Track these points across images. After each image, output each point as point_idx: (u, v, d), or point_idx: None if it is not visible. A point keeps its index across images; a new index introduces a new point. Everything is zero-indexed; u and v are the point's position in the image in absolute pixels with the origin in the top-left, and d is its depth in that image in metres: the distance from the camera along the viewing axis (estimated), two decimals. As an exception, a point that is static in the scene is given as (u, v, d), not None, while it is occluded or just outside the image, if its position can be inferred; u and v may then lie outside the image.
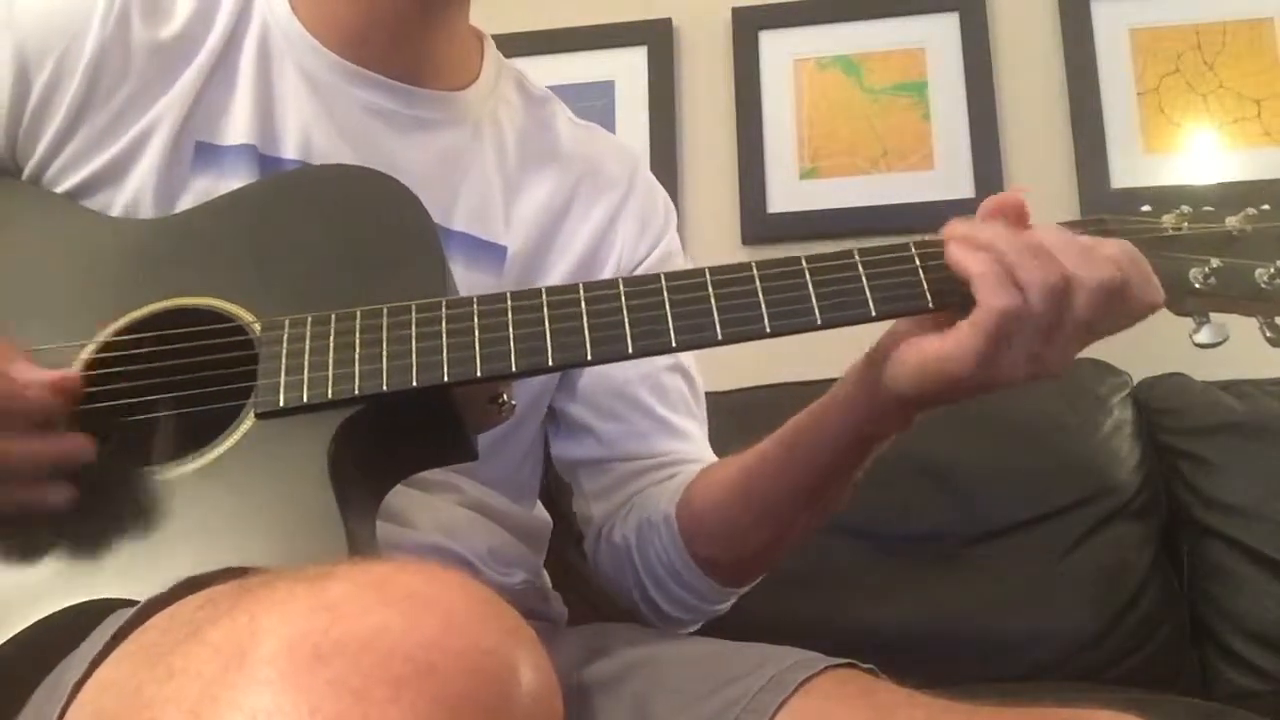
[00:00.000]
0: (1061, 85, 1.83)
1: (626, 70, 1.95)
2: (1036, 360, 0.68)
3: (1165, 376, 1.58)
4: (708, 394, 1.03)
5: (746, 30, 1.93)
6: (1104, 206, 0.76)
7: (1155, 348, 1.54)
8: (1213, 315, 0.74)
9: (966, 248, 0.69)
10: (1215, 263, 0.73)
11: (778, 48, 1.92)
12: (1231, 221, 0.74)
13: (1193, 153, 1.78)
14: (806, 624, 1.31)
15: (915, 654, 1.39)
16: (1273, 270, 0.72)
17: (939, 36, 1.88)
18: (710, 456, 0.97)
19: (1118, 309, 0.68)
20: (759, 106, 1.89)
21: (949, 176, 1.81)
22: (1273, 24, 1.79)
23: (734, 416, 1.08)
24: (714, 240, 1.85)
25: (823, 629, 1.20)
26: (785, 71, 1.91)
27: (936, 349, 0.69)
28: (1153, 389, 1.57)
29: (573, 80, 1.92)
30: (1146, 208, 0.76)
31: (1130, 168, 1.77)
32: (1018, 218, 0.72)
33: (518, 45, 1.70)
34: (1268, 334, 0.73)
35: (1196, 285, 0.73)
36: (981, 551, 1.47)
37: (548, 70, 1.86)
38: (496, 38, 1.02)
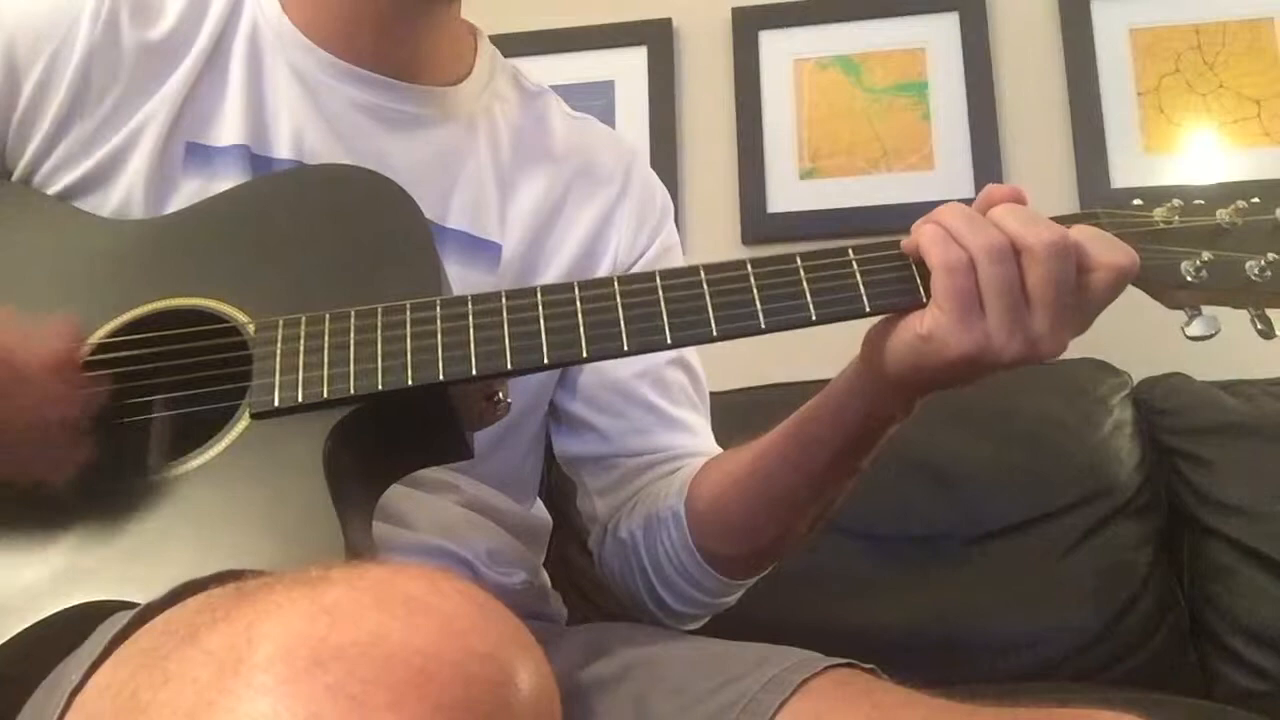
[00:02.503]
0: (1061, 85, 1.83)
1: (626, 70, 1.94)
2: (1024, 334, 0.69)
3: (1165, 376, 1.58)
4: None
5: (746, 30, 1.93)
6: (1103, 206, 0.76)
7: (1155, 348, 1.54)
8: (1204, 308, 0.74)
9: (917, 225, 0.73)
10: (1206, 256, 0.73)
11: (778, 48, 1.92)
12: (1222, 215, 0.74)
13: (1193, 153, 1.77)
14: (806, 624, 1.31)
15: (915, 654, 1.39)
16: (1263, 263, 0.73)
17: (939, 36, 1.88)
18: (715, 448, 0.97)
19: (1085, 275, 0.69)
20: (759, 106, 1.89)
21: (949, 176, 1.82)
22: (1273, 24, 1.79)
23: (734, 416, 1.08)
24: (714, 240, 1.85)
25: (823, 629, 1.19)
26: (785, 71, 1.91)
27: (917, 326, 0.70)
28: (1153, 389, 1.57)
29: (573, 80, 1.92)
30: (1138, 201, 0.76)
31: (1130, 168, 1.77)
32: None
33: (518, 45, 1.70)
34: (1259, 326, 0.73)
35: (1188, 278, 0.73)
36: (981, 551, 1.46)
37: (548, 70, 1.86)
38: (497, 38, 1.02)
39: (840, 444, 0.80)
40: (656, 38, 1.95)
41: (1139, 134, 1.79)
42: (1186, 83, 1.79)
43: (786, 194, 1.86)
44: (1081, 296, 0.69)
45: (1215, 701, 1.35)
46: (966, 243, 0.69)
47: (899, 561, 1.47)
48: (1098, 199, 1.74)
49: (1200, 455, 1.49)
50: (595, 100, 1.92)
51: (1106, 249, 0.70)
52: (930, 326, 0.69)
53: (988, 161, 1.80)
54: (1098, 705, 0.66)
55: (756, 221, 1.85)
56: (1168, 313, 0.75)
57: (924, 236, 0.71)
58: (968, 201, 0.76)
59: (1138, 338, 1.39)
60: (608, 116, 1.91)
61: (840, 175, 1.86)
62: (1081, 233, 0.70)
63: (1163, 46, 1.81)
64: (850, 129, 1.87)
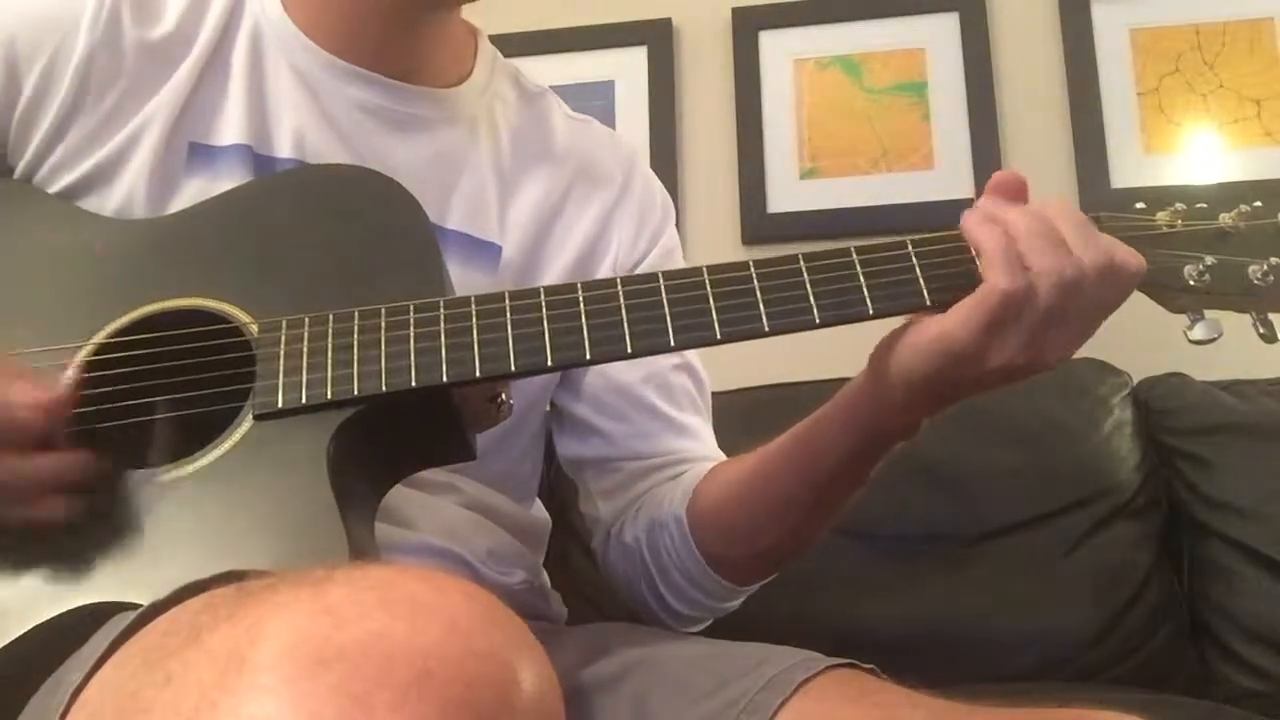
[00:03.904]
0: (1061, 85, 1.83)
1: (626, 70, 1.94)
2: (1035, 347, 0.68)
3: (1165, 376, 1.58)
4: (711, 394, 1.03)
5: (746, 30, 1.93)
6: (1104, 206, 0.76)
7: (1155, 348, 1.54)
8: (1207, 312, 0.74)
9: (982, 219, 0.70)
10: (1209, 260, 0.73)
11: (778, 48, 1.92)
12: (1225, 218, 0.74)
13: (1193, 153, 1.77)
14: (806, 624, 1.31)
15: (915, 654, 1.38)
16: (1266, 267, 0.73)
17: (939, 36, 1.88)
18: (717, 453, 0.97)
19: (1112, 282, 0.69)
20: (759, 106, 1.89)
21: (949, 176, 1.81)
22: (1273, 24, 1.79)
23: (736, 416, 1.08)
24: (714, 240, 1.85)
25: (823, 629, 1.20)
26: (785, 71, 1.91)
27: (939, 326, 0.69)
28: (1153, 389, 1.57)
29: (573, 80, 1.92)
30: (1140, 205, 0.76)
31: (1130, 168, 1.77)
32: (1017, 195, 0.73)
33: (518, 45, 1.70)
34: (1261, 330, 0.74)
35: (1191, 282, 0.73)
36: (981, 551, 1.46)
37: (548, 70, 1.86)
38: (497, 38, 1.02)
39: (844, 454, 0.80)
40: (656, 38, 1.95)
41: (1139, 134, 1.79)
42: (1186, 83, 1.79)
43: (786, 194, 1.86)
44: (1101, 307, 0.70)
45: (1215, 701, 1.35)
46: (1035, 266, 0.67)
47: (899, 561, 1.47)
48: (1098, 199, 1.74)
49: (1200, 455, 1.49)
50: (595, 100, 1.92)
51: (1129, 258, 0.70)
52: (954, 328, 0.68)
53: (988, 161, 1.80)
54: (1098, 705, 0.66)
55: (756, 221, 1.85)
56: (1168, 313, 0.75)
57: (988, 241, 0.69)
58: (968, 202, 0.75)
59: (1138, 338, 1.39)
60: (608, 116, 1.91)
61: (840, 175, 1.86)
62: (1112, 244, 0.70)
63: (1163, 46, 1.81)
64: (850, 129, 1.87)
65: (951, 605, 1.44)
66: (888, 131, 1.86)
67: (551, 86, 1.03)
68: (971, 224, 0.71)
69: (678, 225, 1.05)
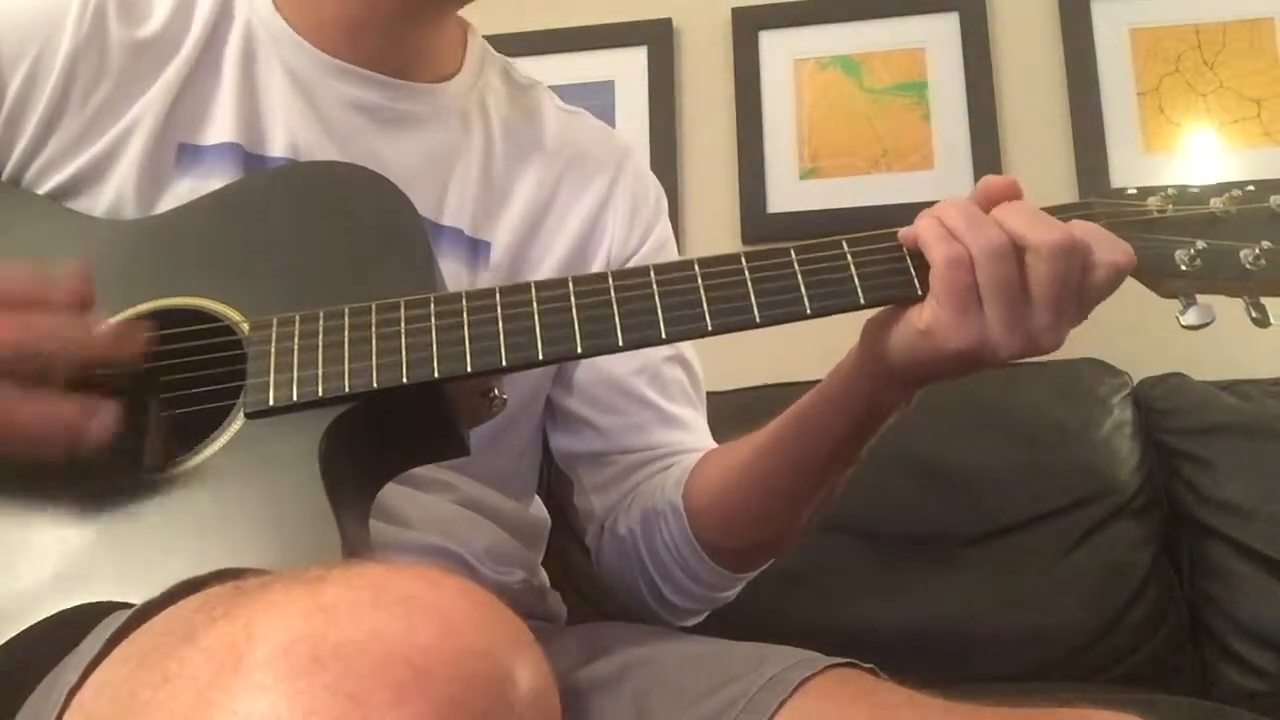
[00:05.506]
0: (1061, 85, 1.83)
1: (626, 70, 1.94)
2: (1024, 330, 0.69)
3: (1165, 376, 1.58)
4: (708, 394, 1.03)
5: (746, 30, 1.93)
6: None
7: (1155, 347, 1.55)
8: (1199, 297, 0.74)
9: (920, 217, 0.72)
10: (1200, 244, 0.72)
11: (778, 48, 1.92)
12: (1216, 203, 0.74)
13: (1193, 153, 1.77)
14: (806, 624, 1.32)
15: (915, 654, 1.38)
16: (1257, 251, 0.72)
17: (939, 36, 1.88)
18: (711, 444, 0.97)
19: (1086, 275, 0.69)
20: (759, 106, 1.89)
21: (949, 176, 1.81)
22: (1273, 24, 1.79)
23: (734, 416, 1.08)
24: (714, 240, 1.85)
25: (823, 629, 1.20)
26: (785, 71, 1.91)
27: (916, 320, 0.71)
28: (1153, 389, 1.57)
29: (573, 80, 1.92)
30: (1132, 190, 0.76)
31: (1130, 168, 1.77)
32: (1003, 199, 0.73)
33: (518, 45, 1.70)
34: (1253, 314, 0.73)
35: (1182, 267, 0.73)
36: (981, 551, 1.46)
37: (548, 70, 1.85)
38: (497, 38, 1.02)
39: (841, 433, 0.80)
40: (656, 38, 1.95)
41: (1139, 134, 1.79)
42: (1186, 83, 1.79)
43: (786, 194, 1.86)
44: (1080, 294, 0.70)
45: (1215, 701, 1.35)
46: (966, 240, 0.69)
47: (899, 561, 1.47)
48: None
49: (1200, 455, 1.49)
50: (595, 100, 1.92)
51: (1106, 247, 0.70)
52: (929, 321, 0.69)
53: (988, 161, 1.80)
54: (1098, 705, 0.65)
55: (756, 221, 1.85)
56: (1167, 313, 0.75)
57: (924, 231, 0.71)
58: (968, 199, 0.76)
59: (1138, 338, 1.39)
60: (608, 116, 1.91)
61: (840, 175, 1.86)
62: (1079, 229, 0.70)
63: (1163, 46, 1.81)
64: (850, 129, 1.87)
65: (951, 605, 1.44)
66: (888, 131, 1.86)
67: (551, 87, 1.03)
68: (910, 227, 0.73)
69: (677, 226, 1.05)
